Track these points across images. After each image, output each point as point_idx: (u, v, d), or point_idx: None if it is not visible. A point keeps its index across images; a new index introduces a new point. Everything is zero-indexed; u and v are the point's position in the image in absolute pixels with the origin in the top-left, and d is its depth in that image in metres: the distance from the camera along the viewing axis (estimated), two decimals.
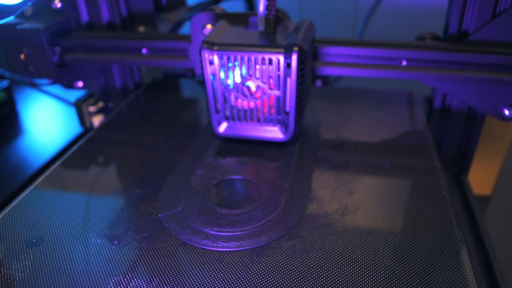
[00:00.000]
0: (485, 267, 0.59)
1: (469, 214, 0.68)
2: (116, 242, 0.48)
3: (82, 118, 0.86)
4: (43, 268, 0.45)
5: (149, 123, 0.75)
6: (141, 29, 0.85)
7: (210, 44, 0.58)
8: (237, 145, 0.65)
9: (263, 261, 0.44)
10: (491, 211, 0.80)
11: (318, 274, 0.43)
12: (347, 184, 0.56)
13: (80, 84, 0.85)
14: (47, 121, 0.93)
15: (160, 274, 0.43)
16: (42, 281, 0.43)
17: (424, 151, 0.62)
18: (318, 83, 0.89)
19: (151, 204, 0.53)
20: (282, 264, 0.44)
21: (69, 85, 0.85)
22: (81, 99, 0.86)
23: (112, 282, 0.43)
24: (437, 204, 0.51)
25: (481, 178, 0.81)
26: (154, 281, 0.43)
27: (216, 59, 0.58)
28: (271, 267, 0.44)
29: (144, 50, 0.75)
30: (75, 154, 0.65)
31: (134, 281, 0.43)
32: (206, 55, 0.58)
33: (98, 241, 0.48)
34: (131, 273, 0.44)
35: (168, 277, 0.43)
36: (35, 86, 0.97)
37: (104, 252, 0.47)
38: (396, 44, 0.65)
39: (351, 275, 0.43)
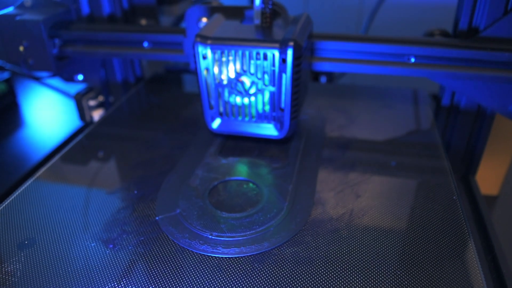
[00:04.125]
0: (493, 269, 0.57)
1: (477, 215, 0.66)
2: (111, 245, 0.46)
3: (82, 112, 0.85)
4: (34, 272, 0.43)
5: (149, 118, 0.73)
6: (143, 22, 0.83)
7: (204, 38, 0.56)
8: (239, 143, 0.64)
9: (264, 269, 0.43)
10: (499, 212, 0.78)
11: (323, 283, 0.41)
12: (353, 187, 0.54)
13: (80, 77, 0.84)
14: (48, 114, 0.91)
15: (156, 280, 0.42)
16: (33, 286, 0.42)
17: (433, 151, 0.60)
18: (323, 79, 0.87)
19: (148, 206, 0.52)
20: (284, 272, 0.42)
21: (69, 78, 0.84)
22: (81, 93, 0.84)
23: None
24: (447, 209, 0.50)
25: (488, 178, 0.79)
26: None
27: (209, 53, 0.56)
28: (273, 275, 0.42)
29: (145, 43, 0.73)
30: (74, 149, 0.64)
31: None
32: (200, 49, 0.56)
33: (92, 244, 0.46)
34: (125, 280, 0.42)
35: (165, 284, 0.41)
36: (34, 78, 0.95)
37: (98, 256, 0.45)
38: (405, 40, 0.63)
39: (357, 284, 0.41)
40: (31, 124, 0.88)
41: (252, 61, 0.56)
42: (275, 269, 0.43)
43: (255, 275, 0.42)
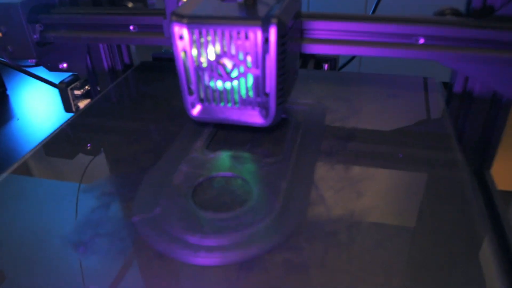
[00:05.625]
0: (509, 268, 0.53)
1: (492, 212, 0.62)
2: (81, 249, 0.42)
3: (67, 102, 0.81)
4: None
5: (136, 108, 0.70)
6: (130, 5, 0.78)
7: (179, 17, 0.52)
8: (229, 136, 0.59)
9: (252, 279, 0.38)
10: None
11: None
12: (355, 184, 0.49)
13: (64, 65, 0.79)
14: (39, 105, 0.88)
15: None
16: None
17: (445, 144, 0.56)
18: (325, 67, 0.83)
19: (126, 205, 0.48)
20: (274, 283, 0.38)
21: (53, 67, 0.80)
22: (65, 82, 0.79)
23: None
24: (460, 209, 0.45)
25: (504, 172, 0.74)
26: None
27: (186, 33, 0.52)
28: (261, 285, 0.37)
29: (131, 27, 0.69)
30: (54, 141, 0.61)
31: None
32: (176, 28, 0.52)
33: (61, 247, 0.42)
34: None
35: None
36: (17, 68, 0.91)
37: (66, 260, 0.41)
38: (412, 20, 0.59)
39: None
40: (22, 115, 0.84)
41: (233, 41, 0.51)
42: (264, 279, 0.38)
43: (240, 285, 0.38)
